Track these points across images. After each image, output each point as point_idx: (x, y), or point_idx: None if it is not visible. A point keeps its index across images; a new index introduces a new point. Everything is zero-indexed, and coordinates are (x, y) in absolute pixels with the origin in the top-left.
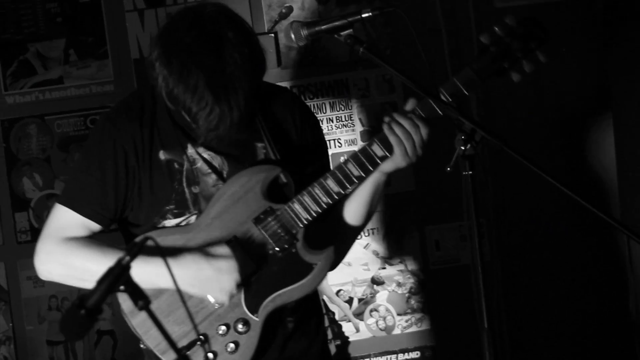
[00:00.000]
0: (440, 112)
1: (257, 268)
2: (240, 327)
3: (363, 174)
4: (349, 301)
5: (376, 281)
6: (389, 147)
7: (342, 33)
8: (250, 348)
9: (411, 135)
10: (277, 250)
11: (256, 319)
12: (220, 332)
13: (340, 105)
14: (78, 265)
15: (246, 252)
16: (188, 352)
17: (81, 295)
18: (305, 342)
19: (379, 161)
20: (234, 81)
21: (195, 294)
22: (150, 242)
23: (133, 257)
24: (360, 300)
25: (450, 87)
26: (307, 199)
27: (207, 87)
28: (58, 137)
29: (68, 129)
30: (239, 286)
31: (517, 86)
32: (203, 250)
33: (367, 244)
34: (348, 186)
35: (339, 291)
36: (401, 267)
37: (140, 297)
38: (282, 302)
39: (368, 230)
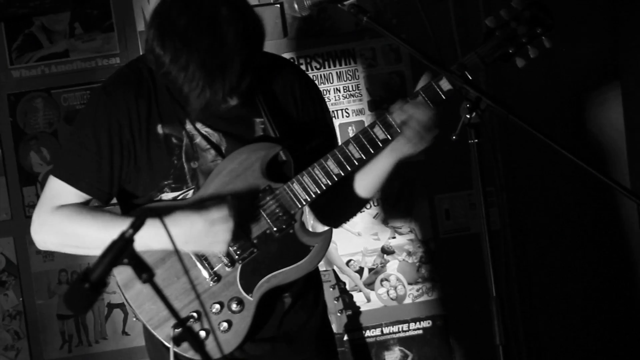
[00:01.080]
0: (443, 96)
1: (254, 247)
2: (234, 306)
3: (364, 156)
4: (360, 271)
5: (386, 251)
6: (390, 130)
7: (345, 2)
8: (244, 328)
9: (415, 118)
10: (274, 231)
11: (250, 299)
12: (214, 310)
13: (348, 75)
14: (70, 232)
15: (243, 230)
16: (181, 329)
17: (85, 269)
18: (303, 315)
19: (380, 144)
20: (229, 59)
21: (193, 251)
22: (152, 215)
23: (136, 230)
24: (370, 270)
25: (457, 68)
26: (306, 179)
27: (199, 68)
28: (64, 110)
29: (74, 103)
30: (235, 261)
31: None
32: (195, 206)
33: (377, 213)
34: (348, 168)
35: (349, 261)
36: (411, 236)
37: (144, 270)
38: (277, 282)
39: (378, 199)
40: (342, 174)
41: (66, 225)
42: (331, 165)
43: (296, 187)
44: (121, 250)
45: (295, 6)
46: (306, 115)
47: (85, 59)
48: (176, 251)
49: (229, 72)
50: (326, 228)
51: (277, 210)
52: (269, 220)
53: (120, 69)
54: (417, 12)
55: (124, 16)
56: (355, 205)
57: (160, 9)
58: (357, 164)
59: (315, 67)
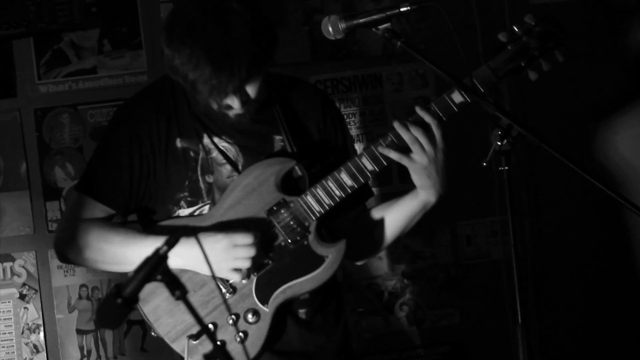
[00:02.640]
0: (456, 109)
1: (269, 259)
2: (250, 317)
3: (377, 168)
4: (380, 294)
5: (407, 275)
6: (400, 144)
7: (379, 27)
8: (260, 338)
9: (426, 131)
10: (289, 242)
11: (266, 310)
12: (230, 321)
13: (373, 99)
14: (91, 246)
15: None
16: (197, 341)
17: (118, 284)
18: (322, 336)
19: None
20: (234, 50)
21: (210, 273)
22: (187, 233)
23: (171, 247)
24: (390, 293)
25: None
26: (320, 191)
27: (204, 56)
28: (90, 126)
29: (101, 119)
30: (252, 272)
31: (550, 80)
32: (219, 228)
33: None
34: (361, 180)
35: (369, 284)
36: (432, 261)
37: (177, 287)
38: (292, 293)
39: None
40: (356, 186)
41: (88, 239)
42: (344, 177)
43: (310, 199)
44: (155, 267)
45: (330, 29)
46: (326, 137)
47: (113, 75)
48: (208, 266)
49: (235, 63)
50: (341, 239)
51: (292, 223)
52: (283, 233)
53: (143, 88)
54: (444, 38)
55: (153, 34)
56: (378, 245)
57: (173, 10)
58: (369, 176)
59: (342, 90)
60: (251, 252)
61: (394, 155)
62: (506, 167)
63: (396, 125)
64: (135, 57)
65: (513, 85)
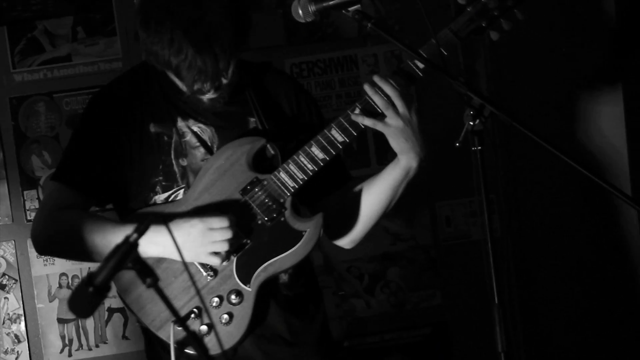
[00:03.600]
0: (420, 73)
1: (247, 238)
2: (233, 298)
3: (347, 139)
4: (360, 277)
5: (387, 257)
6: (371, 111)
7: (350, 9)
8: (245, 319)
9: (397, 94)
10: (265, 220)
11: (249, 289)
12: (214, 304)
13: (350, 82)
14: (69, 237)
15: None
16: (183, 327)
17: (89, 273)
18: (303, 322)
19: (362, 126)
20: (214, 29)
21: (189, 260)
22: (156, 220)
23: (141, 234)
24: (371, 276)
25: (430, 47)
26: (292, 167)
27: (184, 38)
28: (66, 114)
29: (76, 107)
30: (229, 254)
31: (527, 62)
32: (195, 213)
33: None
34: (333, 152)
35: (350, 267)
36: (412, 243)
37: (149, 275)
38: (274, 271)
39: None
40: (327, 159)
41: (64, 230)
42: (315, 150)
43: (283, 175)
44: (125, 255)
45: (300, 12)
46: (299, 116)
47: (88, 63)
48: (180, 255)
49: (216, 43)
50: (318, 213)
51: (267, 200)
52: (259, 211)
53: (117, 76)
54: (419, 19)
55: (127, 20)
56: (366, 222)
57: None
58: (340, 147)
59: (317, 73)
60: (228, 234)
61: (368, 121)
62: (479, 147)
63: (367, 89)
64: (110, 43)
65: (489, 64)
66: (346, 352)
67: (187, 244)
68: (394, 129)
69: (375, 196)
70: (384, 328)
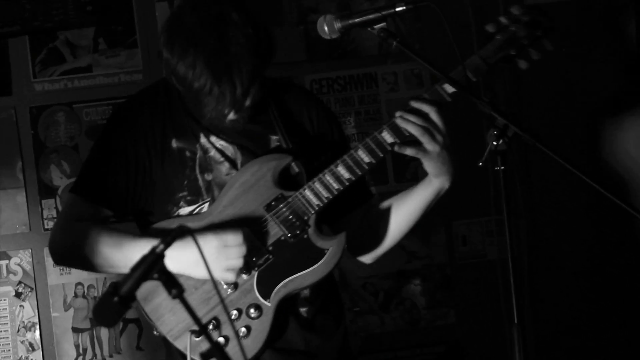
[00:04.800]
0: (448, 98)
1: (270, 254)
2: (252, 312)
3: (373, 160)
4: (375, 294)
5: (403, 275)
6: (399, 134)
7: (375, 26)
8: (263, 333)
9: (430, 119)
10: (289, 237)
11: (268, 304)
12: (233, 316)
13: (369, 99)
14: (86, 249)
15: (258, 238)
16: (199, 338)
17: (114, 282)
18: (323, 337)
19: (388, 147)
20: (236, 60)
21: (201, 275)
22: (183, 230)
23: (167, 245)
24: (386, 293)
25: (458, 74)
26: (318, 185)
27: (206, 66)
28: (86, 125)
29: (96, 117)
30: (251, 268)
31: (545, 79)
32: (211, 229)
33: None
34: (358, 172)
35: (365, 284)
36: (427, 261)
37: (174, 286)
38: (294, 287)
39: None
40: (353, 179)
41: (82, 242)
42: (341, 170)
43: (308, 193)
44: (152, 265)
45: (325, 29)
46: (322, 134)
47: (109, 74)
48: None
49: (236, 73)
50: (341, 232)
51: (291, 217)
52: (282, 227)
53: (138, 91)
54: (440, 38)
55: (148, 33)
56: (392, 239)
57: (171, 16)
58: (366, 168)
59: (337, 89)
60: (242, 251)
61: (409, 151)
62: (502, 167)
63: (399, 121)
64: (131, 55)
65: (508, 85)
66: None
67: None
68: (433, 155)
69: (404, 215)
70: (397, 345)
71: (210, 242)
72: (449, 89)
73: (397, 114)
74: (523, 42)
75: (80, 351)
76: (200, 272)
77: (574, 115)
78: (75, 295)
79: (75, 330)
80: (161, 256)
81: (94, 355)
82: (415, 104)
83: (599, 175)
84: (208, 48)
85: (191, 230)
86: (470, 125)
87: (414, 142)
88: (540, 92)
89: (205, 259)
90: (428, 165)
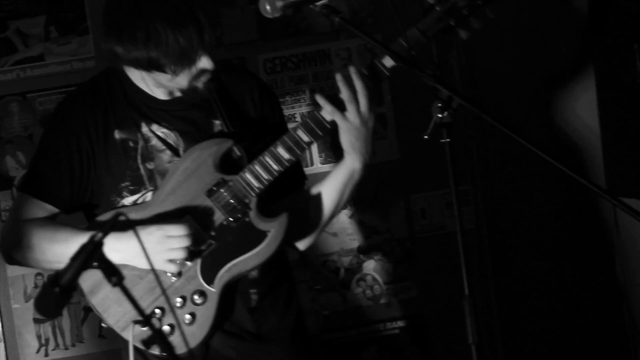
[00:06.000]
0: (387, 72)
1: (212, 239)
2: (196, 298)
3: (313, 139)
4: (336, 271)
5: (362, 250)
6: (334, 102)
7: (317, 3)
8: (208, 319)
9: (364, 92)
10: (230, 221)
11: (213, 290)
12: (177, 304)
13: (323, 76)
14: (33, 246)
15: (200, 224)
16: (146, 327)
17: (55, 273)
18: (274, 317)
19: (328, 125)
20: (191, 12)
21: (144, 266)
22: (122, 218)
23: (106, 233)
24: (347, 270)
25: (396, 47)
26: (258, 167)
27: (161, 25)
28: (40, 114)
29: (50, 106)
30: (194, 256)
31: (500, 50)
32: (154, 221)
33: (353, 213)
34: (298, 152)
35: (325, 261)
36: (387, 235)
37: (114, 274)
38: (238, 271)
39: (354, 199)
40: (293, 159)
41: (31, 240)
42: (281, 151)
43: (248, 176)
44: (91, 254)
45: (267, 7)
46: (264, 119)
47: (61, 62)
48: (145, 253)
49: (194, 22)
50: (282, 213)
51: (232, 201)
52: (224, 211)
53: (78, 86)
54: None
55: (99, 19)
56: (316, 225)
57: (106, 8)
58: (306, 147)
59: (291, 67)
60: (184, 242)
61: (328, 108)
62: (448, 140)
63: (338, 78)
64: (83, 42)
65: (462, 56)
66: (323, 346)
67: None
68: (350, 125)
69: (322, 199)
70: (360, 322)
71: (152, 234)
72: (388, 63)
73: (338, 73)
74: (463, 12)
75: (43, 342)
76: (143, 263)
77: (527, 84)
78: (36, 286)
79: (37, 321)
80: (99, 244)
81: (57, 345)
82: (360, 72)
83: (554, 145)
84: (155, 9)
85: (131, 220)
86: (428, 97)
87: (339, 106)
88: (494, 62)
89: (146, 250)
90: (343, 136)
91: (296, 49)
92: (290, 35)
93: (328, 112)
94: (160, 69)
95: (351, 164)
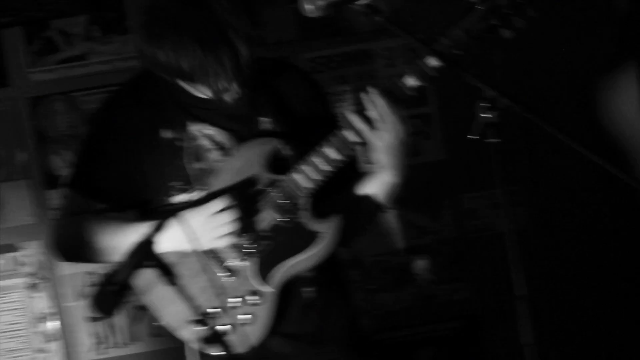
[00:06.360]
0: (431, 72)
1: (266, 239)
2: (252, 298)
3: (361, 141)
4: (388, 271)
5: (412, 251)
6: (367, 117)
7: (358, 2)
8: (264, 319)
9: (390, 112)
10: (282, 221)
11: (268, 290)
12: (234, 304)
13: (365, 76)
14: (86, 243)
15: (251, 225)
16: (203, 327)
17: (110, 272)
18: (330, 317)
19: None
20: (228, 24)
21: (199, 248)
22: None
23: (156, 231)
24: (399, 270)
25: (439, 46)
26: (308, 168)
27: (193, 41)
28: (84, 113)
29: (94, 105)
30: (249, 255)
31: (543, 47)
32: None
33: (401, 213)
34: (347, 153)
35: (378, 261)
36: (438, 236)
37: (168, 273)
38: (293, 271)
39: (402, 200)
40: (342, 159)
41: (83, 236)
42: (330, 152)
43: (298, 176)
44: (143, 253)
45: (307, 7)
46: (313, 116)
47: (104, 61)
48: (193, 250)
49: (228, 42)
50: (335, 215)
51: (283, 201)
52: (275, 212)
53: (124, 83)
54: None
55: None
56: (364, 224)
57: (147, 10)
58: (354, 148)
59: (333, 67)
60: (231, 214)
61: (361, 126)
62: (494, 140)
63: (365, 99)
64: (125, 41)
65: (502, 54)
66: (376, 346)
67: (195, 233)
68: (381, 143)
69: (367, 201)
70: (413, 322)
71: (196, 215)
72: (433, 62)
73: (364, 94)
74: (506, 10)
75: (97, 340)
76: (195, 246)
77: (570, 81)
78: (90, 285)
79: (93, 319)
80: (152, 242)
81: (112, 343)
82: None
83: (598, 143)
84: (191, 24)
85: (176, 209)
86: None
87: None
88: (536, 60)
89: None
90: (380, 152)
91: (338, 49)
92: (332, 34)
93: (361, 130)
94: (192, 83)
95: (385, 179)
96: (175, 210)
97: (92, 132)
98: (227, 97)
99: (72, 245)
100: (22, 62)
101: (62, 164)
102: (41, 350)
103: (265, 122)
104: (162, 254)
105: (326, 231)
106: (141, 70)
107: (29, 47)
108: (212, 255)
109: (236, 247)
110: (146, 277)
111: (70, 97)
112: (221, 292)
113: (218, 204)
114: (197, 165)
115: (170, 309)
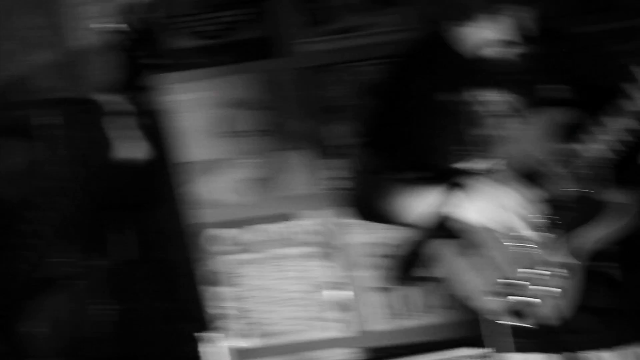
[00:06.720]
0: None
1: (571, 211)
2: (562, 271)
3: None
4: None
5: None
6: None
7: None
8: (574, 292)
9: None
10: (588, 192)
11: (577, 263)
12: (542, 276)
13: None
14: (388, 202)
15: (555, 196)
16: (508, 298)
17: (405, 242)
18: (637, 295)
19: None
20: None
21: (492, 218)
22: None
23: (454, 200)
24: None
25: None
26: (606, 137)
27: None
28: (358, 83)
29: (368, 77)
30: (557, 227)
31: None
32: (498, 179)
33: None
34: None
35: None
36: None
37: (466, 243)
38: (596, 245)
39: None
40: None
41: (380, 195)
42: (627, 122)
43: (596, 146)
44: (441, 224)
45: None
46: (601, 83)
47: (380, 32)
48: (493, 220)
49: None
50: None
51: (583, 172)
52: (583, 183)
53: (407, 47)
54: None
55: None
56: None
57: None
58: None
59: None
60: (531, 184)
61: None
62: None
63: None
64: (405, 13)
65: None
66: None
67: (483, 203)
68: None
69: None
70: None
71: (495, 185)
72: None
73: None
74: None
75: (389, 309)
76: (496, 217)
77: None
78: (379, 255)
79: (383, 289)
80: (448, 212)
81: (403, 313)
82: None
83: None
84: None
85: (473, 176)
86: None
87: None
88: None
89: (501, 209)
90: None
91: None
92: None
93: None
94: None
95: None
96: (471, 178)
97: (373, 100)
98: (512, 51)
99: (370, 203)
100: (297, 32)
101: (338, 133)
102: (333, 320)
103: (549, 89)
104: (460, 223)
105: (628, 203)
106: (419, 39)
107: (303, 17)
108: (513, 226)
109: (538, 219)
110: (442, 248)
111: (347, 67)
112: (526, 263)
113: (532, 193)
114: (477, 131)
115: (468, 280)
